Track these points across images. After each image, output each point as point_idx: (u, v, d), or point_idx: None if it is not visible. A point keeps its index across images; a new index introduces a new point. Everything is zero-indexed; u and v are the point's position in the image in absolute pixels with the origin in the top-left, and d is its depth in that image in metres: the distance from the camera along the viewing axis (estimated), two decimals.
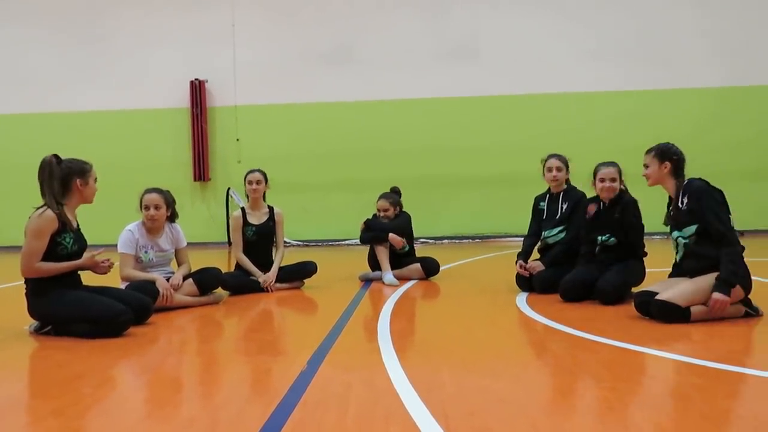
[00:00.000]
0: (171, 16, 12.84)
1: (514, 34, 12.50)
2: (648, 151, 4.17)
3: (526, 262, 5.19)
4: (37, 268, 3.70)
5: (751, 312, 3.80)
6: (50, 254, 3.72)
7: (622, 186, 4.76)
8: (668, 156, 4.04)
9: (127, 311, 3.75)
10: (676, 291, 3.71)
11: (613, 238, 4.68)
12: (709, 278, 3.69)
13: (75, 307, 3.73)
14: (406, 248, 6.19)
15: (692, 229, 3.86)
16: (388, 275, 5.88)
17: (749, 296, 3.80)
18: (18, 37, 12.97)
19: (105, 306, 3.74)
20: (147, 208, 4.75)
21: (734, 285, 3.63)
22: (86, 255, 3.87)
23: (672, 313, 3.64)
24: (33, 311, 3.85)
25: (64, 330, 3.76)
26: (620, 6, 12.44)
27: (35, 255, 3.68)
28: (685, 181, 3.99)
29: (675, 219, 4.03)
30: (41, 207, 3.74)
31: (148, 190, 4.84)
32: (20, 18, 13.01)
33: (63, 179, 3.79)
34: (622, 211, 4.67)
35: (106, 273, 3.90)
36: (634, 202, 4.74)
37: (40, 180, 3.75)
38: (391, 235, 5.98)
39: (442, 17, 12.64)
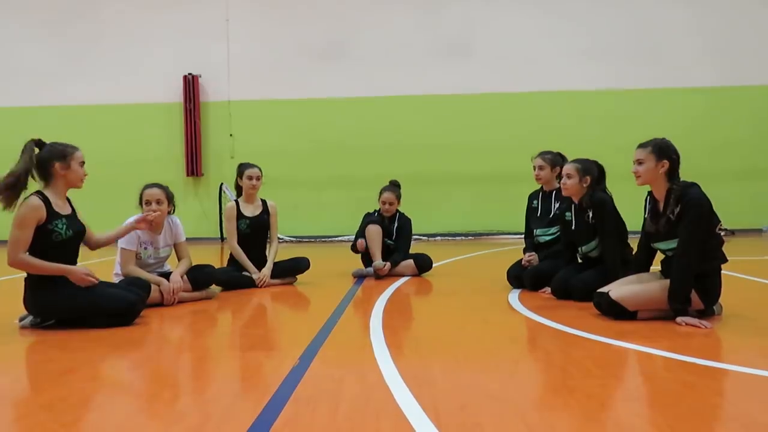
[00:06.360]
0: (165, 11, 12.79)
1: (507, 32, 12.52)
2: (642, 145, 3.67)
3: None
4: (21, 259, 3.62)
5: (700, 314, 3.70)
6: (44, 242, 3.67)
7: (583, 184, 4.45)
8: (667, 154, 3.60)
9: (140, 301, 3.92)
10: (627, 292, 3.72)
11: (594, 250, 4.54)
12: (663, 284, 3.65)
13: (88, 300, 3.74)
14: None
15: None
16: (377, 262, 5.94)
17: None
18: (9, 30, 12.88)
19: (119, 298, 3.83)
20: (148, 203, 4.67)
21: (684, 302, 3.54)
22: (80, 265, 3.84)
23: (619, 312, 3.70)
24: (32, 304, 3.78)
25: (72, 323, 3.76)
26: (613, 5, 12.48)
27: (20, 245, 3.61)
28: (680, 187, 3.56)
29: (659, 228, 3.65)
30: (29, 195, 3.69)
31: (149, 186, 4.75)
32: (12, 12, 12.92)
33: (41, 164, 3.74)
34: (596, 216, 4.38)
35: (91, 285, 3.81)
36: (603, 203, 4.36)
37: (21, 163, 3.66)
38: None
39: (436, 14, 12.64)
